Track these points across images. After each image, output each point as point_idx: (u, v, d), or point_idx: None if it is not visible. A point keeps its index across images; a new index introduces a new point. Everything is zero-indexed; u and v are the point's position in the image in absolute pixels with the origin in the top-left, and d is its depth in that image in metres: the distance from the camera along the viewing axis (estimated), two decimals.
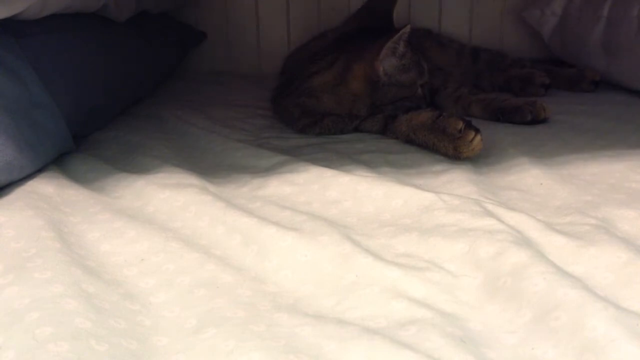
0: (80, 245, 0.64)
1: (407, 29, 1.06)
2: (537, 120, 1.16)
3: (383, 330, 0.50)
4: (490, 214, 0.70)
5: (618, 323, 0.48)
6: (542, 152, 0.97)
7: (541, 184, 0.84)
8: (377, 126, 1.13)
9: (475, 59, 1.54)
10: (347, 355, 0.47)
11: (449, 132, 0.95)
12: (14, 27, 0.86)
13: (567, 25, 1.58)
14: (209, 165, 0.94)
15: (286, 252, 0.64)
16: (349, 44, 1.16)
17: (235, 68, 1.87)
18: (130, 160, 0.94)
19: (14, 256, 0.58)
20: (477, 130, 0.94)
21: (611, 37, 1.42)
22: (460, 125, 0.94)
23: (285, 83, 1.25)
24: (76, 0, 1.02)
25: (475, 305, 0.56)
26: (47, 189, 0.77)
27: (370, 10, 1.30)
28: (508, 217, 0.70)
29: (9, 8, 0.80)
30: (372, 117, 1.13)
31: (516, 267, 0.58)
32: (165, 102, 1.41)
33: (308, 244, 0.64)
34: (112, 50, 1.17)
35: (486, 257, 0.61)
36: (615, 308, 0.50)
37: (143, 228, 0.68)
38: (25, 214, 0.68)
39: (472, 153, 0.94)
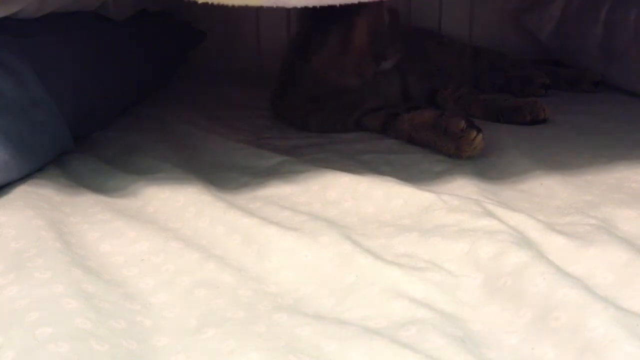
0: (81, 246, 0.64)
1: None
2: (537, 120, 1.16)
3: (383, 331, 0.50)
4: (490, 214, 0.70)
5: (618, 323, 0.48)
6: (542, 152, 0.97)
7: (541, 184, 0.84)
8: (379, 122, 1.12)
9: (475, 59, 1.54)
10: (347, 355, 0.47)
11: (450, 132, 0.95)
12: (13, 27, 0.86)
13: (565, 29, 1.58)
14: (209, 166, 0.94)
15: (286, 252, 0.64)
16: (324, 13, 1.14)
17: (235, 68, 1.87)
18: (130, 160, 0.93)
19: (14, 256, 0.58)
20: (478, 130, 0.94)
21: (609, 41, 1.42)
22: (462, 124, 0.94)
23: (285, 83, 1.25)
24: None
25: (476, 305, 0.56)
26: (47, 189, 0.77)
27: None
28: (508, 217, 0.70)
29: (5, 9, 0.80)
30: (374, 112, 1.13)
31: (516, 267, 0.58)
32: (165, 102, 1.41)
33: (308, 244, 0.64)
34: (112, 49, 1.17)
35: (486, 257, 0.61)
36: (616, 308, 0.50)
37: (143, 228, 0.68)
38: (25, 214, 0.68)
39: (474, 152, 0.94)
